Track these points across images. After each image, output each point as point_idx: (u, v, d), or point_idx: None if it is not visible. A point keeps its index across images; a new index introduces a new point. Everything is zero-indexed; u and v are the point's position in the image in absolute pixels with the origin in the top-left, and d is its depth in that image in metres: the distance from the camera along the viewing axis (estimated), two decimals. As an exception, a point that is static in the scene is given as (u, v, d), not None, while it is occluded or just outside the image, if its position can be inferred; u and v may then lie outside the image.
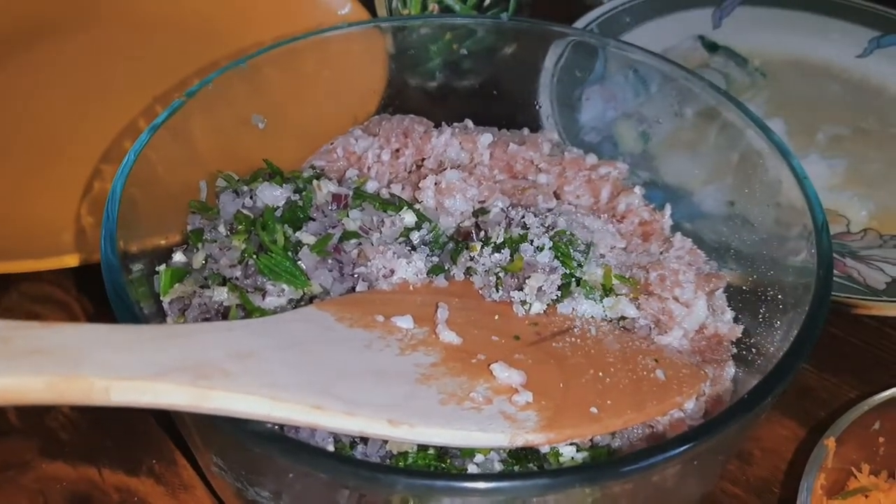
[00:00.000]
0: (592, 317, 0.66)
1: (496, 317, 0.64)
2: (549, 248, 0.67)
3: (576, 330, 0.63)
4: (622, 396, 0.57)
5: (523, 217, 0.71)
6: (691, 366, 0.63)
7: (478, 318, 0.63)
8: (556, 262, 0.66)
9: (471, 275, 0.67)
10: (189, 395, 0.44)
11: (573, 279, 0.67)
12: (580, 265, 0.67)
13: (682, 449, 0.47)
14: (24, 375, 0.41)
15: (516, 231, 0.69)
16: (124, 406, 0.43)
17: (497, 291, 0.66)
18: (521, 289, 0.65)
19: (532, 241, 0.68)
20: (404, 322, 0.59)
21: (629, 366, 0.60)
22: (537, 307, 0.65)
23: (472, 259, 0.68)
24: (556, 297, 0.65)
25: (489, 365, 0.56)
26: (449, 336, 0.59)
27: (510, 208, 0.74)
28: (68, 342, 0.43)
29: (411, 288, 0.65)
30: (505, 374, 0.56)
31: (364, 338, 0.57)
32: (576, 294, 0.66)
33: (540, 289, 0.65)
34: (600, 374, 0.59)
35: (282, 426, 0.55)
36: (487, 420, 0.52)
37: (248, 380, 0.47)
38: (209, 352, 0.48)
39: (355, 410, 0.48)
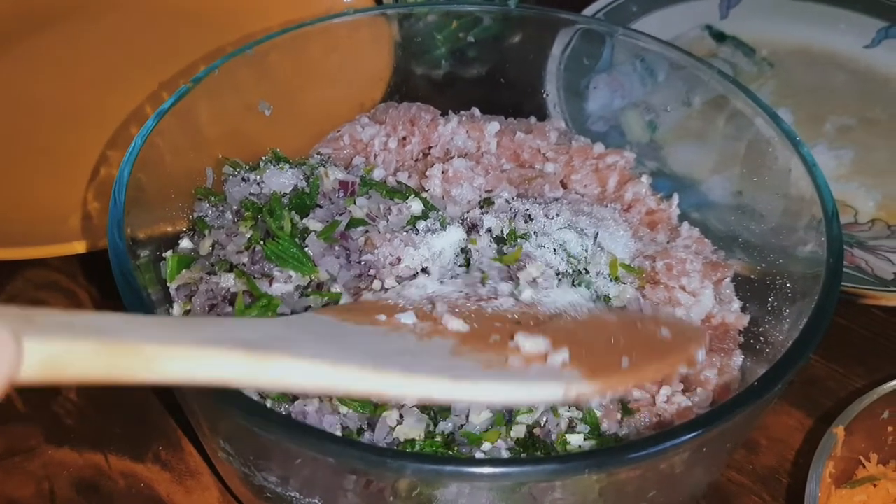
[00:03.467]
0: (578, 304, 0.63)
1: (489, 310, 0.61)
2: (552, 250, 0.67)
3: (571, 313, 0.62)
4: (643, 352, 0.55)
5: (528, 209, 0.71)
6: (689, 323, 0.63)
7: (473, 313, 0.61)
8: (557, 259, 0.66)
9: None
10: (246, 364, 0.41)
11: (578, 273, 0.66)
12: (584, 266, 0.66)
13: (690, 436, 0.47)
14: (66, 341, 0.35)
15: (520, 223, 0.69)
16: (179, 382, 0.39)
17: (483, 286, 0.64)
18: (511, 279, 0.64)
19: (535, 233, 0.68)
20: (407, 318, 0.57)
21: (633, 331, 0.60)
22: (528, 294, 0.64)
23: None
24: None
25: (510, 340, 0.54)
26: (456, 324, 0.57)
27: (515, 199, 0.74)
28: (99, 322, 0.39)
29: (397, 297, 0.62)
30: (530, 342, 0.53)
31: (377, 331, 0.55)
32: (564, 286, 0.65)
33: (535, 280, 0.64)
34: (612, 339, 0.57)
35: (288, 409, 0.55)
36: (537, 376, 0.50)
37: (298, 350, 0.44)
38: (249, 332, 0.45)
39: (414, 370, 0.46)
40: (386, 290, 0.63)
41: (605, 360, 0.53)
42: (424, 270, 0.65)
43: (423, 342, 0.54)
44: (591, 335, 0.58)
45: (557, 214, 0.70)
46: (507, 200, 0.73)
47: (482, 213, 0.71)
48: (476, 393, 0.47)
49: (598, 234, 0.69)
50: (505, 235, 0.68)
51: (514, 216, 0.70)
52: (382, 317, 0.57)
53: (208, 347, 0.40)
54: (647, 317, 0.63)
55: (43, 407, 0.75)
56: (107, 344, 0.36)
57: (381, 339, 0.53)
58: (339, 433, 0.55)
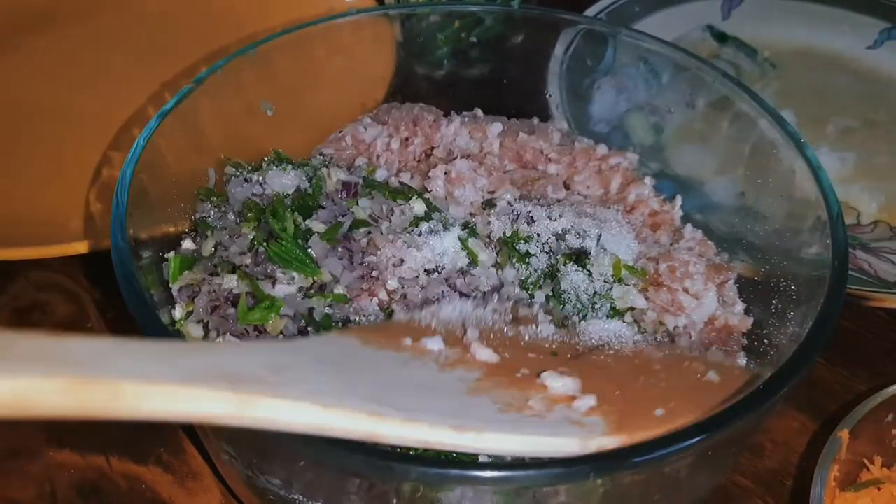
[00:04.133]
0: (623, 335, 0.63)
1: (526, 337, 0.60)
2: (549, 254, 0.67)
3: (613, 344, 0.61)
4: (684, 398, 0.53)
5: (530, 211, 0.71)
6: (738, 366, 0.61)
7: (508, 340, 0.59)
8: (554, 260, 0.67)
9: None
10: (230, 403, 0.39)
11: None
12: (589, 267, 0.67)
13: (694, 441, 0.47)
14: (34, 377, 0.33)
15: (523, 226, 0.69)
16: (156, 419, 0.37)
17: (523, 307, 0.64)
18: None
19: (538, 234, 0.68)
20: (434, 343, 0.55)
21: (678, 371, 0.57)
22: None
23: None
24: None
25: (538, 376, 0.52)
26: (485, 354, 0.55)
27: (517, 201, 0.74)
28: (83, 350, 0.37)
29: (430, 317, 0.60)
30: (558, 382, 0.52)
31: (397, 358, 0.53)
32: (599, 312, 0.65)
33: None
34: (652, 380, 0.55)
35: None
36: (554, 425, 0.48)
37: (291, 388, 0.42)
38: (244, 362, 0.43)
39: (417, 416, 0.44)
40: (422, 307, 0.61)
41: (638, 407, 0.51)
42: (462, 294, 0.64)
43: (444, 373, 0.52)
44: (629, 374, 0.56)
45: (560, 216, 0.70)
46: (509, 203, 0.73)
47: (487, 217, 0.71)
48: (479, 445, 0.45)
49: (601, 235, 0.69)
50: (507, 237, 0.68)
51: (517, 218, 0.70)
52: (409, 340, 0.55)
53: (190, 386, 0.38)
54: (696, 357, 0.61)
55: (44, 408, 0.75)
56: (81, 380, 0.34)
57: (399, 368, 0.51)
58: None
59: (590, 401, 0.50)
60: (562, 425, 0.48)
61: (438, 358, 0.53)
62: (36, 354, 0.35)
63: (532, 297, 0.66)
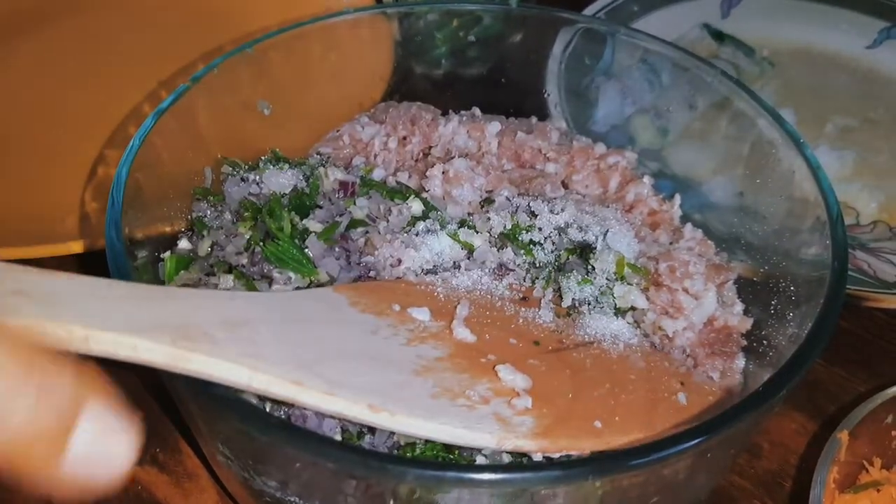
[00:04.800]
0: (619, 334, 0.64)
1: (520, 320, 0.62)
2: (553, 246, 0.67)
3: (603, 344, 0.62)
4: (633, 415, 0.55)
5: (529, 204, 0.70)
6: (719, 393, 0.61)
7: (500, 320, 0.61)
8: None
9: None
10: (167, 355, 0.44)
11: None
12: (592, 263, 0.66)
13: (693, 442, 0.47)
14: (2, 315, 0.40)
15: (523, 217, 0.69)
16: (103, 356, 0.43)
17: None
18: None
19: (540, 228, 0.68)
20: (420, 314, 0.58)
21: (651, 385, 0.59)
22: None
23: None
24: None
25: (496, 366, 0.55)
26: (463, 333, 0.58)
27: (516, 197, 0.73)
28: (57, 289, 0.43)
29: (440, 283, 0.63)
30: (510, 376, 0.55)
31: (372, 323, 0.56)
32: (605, 307, 0.65)
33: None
34: (616, 389, 0.57)
35: (288, 413, 0.55)
36: (476, 419, 0.51)
37: (231, 347, 0.47)
38: (200, 316, 0.48)
39: (336, 391, 0.48)
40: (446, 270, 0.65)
41: (578, 415, 0.54)
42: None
43: (407, 347, 0.55)
44: (595, 379, 0.58)
45: (562, 210, 0.69)
46: (507, 198, 0.73)
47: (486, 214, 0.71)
48: (392, 426, 0.49)
49: (607, 231, 0.69)
50: (508, 231, 0.68)
51: (516, 211, 0.70)
52: (397, 307, 0.58)
53: (133, 336, 0.43)
54: (680, 374, 0.62)
55: (39, 408, 0.75)
56: (40, 324, 0.40)
57: (365, 335, 0.55)
58: (338, 437, 0.55)
59: (526, 402, 0.53)
60: (485, 420, 0.51)
61: (416, 329, 0.57)
62: (16, 289, 0.41)
63: (534, 284, 0.66)
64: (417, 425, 0.50)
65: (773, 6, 1.22)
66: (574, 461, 0.46)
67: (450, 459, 0.54)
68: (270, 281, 0.62)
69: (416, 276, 0.64)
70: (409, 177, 0.77)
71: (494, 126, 0.81)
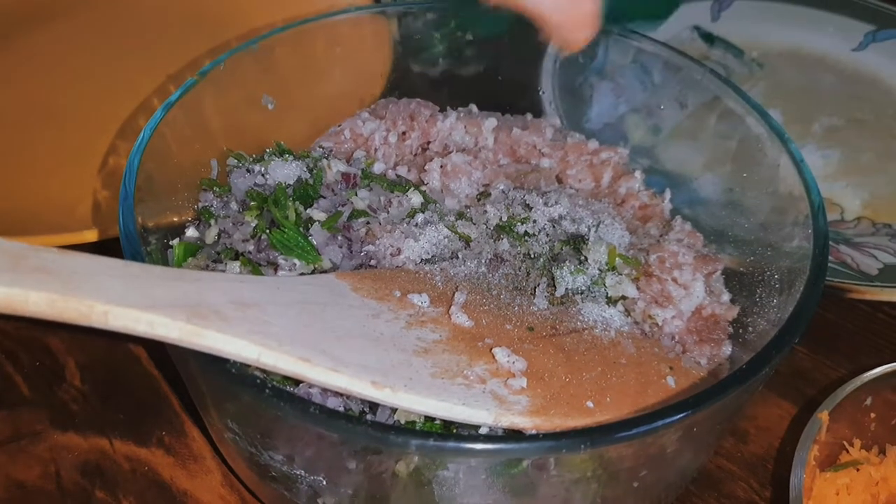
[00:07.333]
0: (611, 321, 0.66)
1: (515, 308, 0.64)
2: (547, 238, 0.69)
3: (595, 331, 0.64)
4: (624, 396, 0.58)
5: (524, 197, 0.73)
6: (707, 378, 0.63)
7: (496, 307, 0.64)
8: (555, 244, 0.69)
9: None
10: (182, 330, 0.47)
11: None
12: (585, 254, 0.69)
13: (679, 416, 0.49)
14: (27, 288, 0.42)
15: (518, 209, 0.71)
16: (121, 331, 0.45)
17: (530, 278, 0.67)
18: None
19: (534, 220, 0.70)
20: (419, 300, 0.61)
21: (641, 369, 0.61)
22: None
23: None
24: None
25: (493, 349, 0.58)
26: (461, 318, 0.60)
27: (512, 191, 0.76)
28: (78, 267, 0.46)
29: (439, 272, 0.66)
30: (506, 358, 0.57)
31: (374, 308, 0.59)
32: (597, 296, 0.67)
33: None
34: (608, 372, 0.59)
35: (294, 385, 0.57)
36: (474, 397, 0.53)
37: (242, 325, 0.49)
38: (212, 296, 0.50)
39: (341, 368, 0.50)
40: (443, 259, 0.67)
41: (571, 395, 0.56)
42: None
43: (407, 330, 0.58)
44: (588, 363, 0.60)
45: (556, 202, 0.72)
46: (503, 191, 0.75)
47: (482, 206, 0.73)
48: (393, 401, 0.52)
49: (599, 223, 0.71)
50: (503, 223, 0.70)
51: (512, 204, 0.72)
52: (397, 293, 0.61)
53: (151, 312, 0.46)
54: (668, 359, 0.64)
55: (48, 392, 0.77)
56: (62, 296, 0.43)
57: (364, 319, 0.57)
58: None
59: (521, 382, 0.55)
60: (482, 397, 0.54)
61: (415, 314, 0.59)
62: (40, 267, 0.44)
63: (528, 274, 0.68)
64: (418, 401, 0.52)
65: (762, 10, 1.24)
66: (567, 432, 0.48)
67: (448, 431, 0.56)
68: (276, 267, 0.64)
69: (415, 265, 0.67)
70: (409, 170, 0.79)
71: (491, 122, 0.83)
